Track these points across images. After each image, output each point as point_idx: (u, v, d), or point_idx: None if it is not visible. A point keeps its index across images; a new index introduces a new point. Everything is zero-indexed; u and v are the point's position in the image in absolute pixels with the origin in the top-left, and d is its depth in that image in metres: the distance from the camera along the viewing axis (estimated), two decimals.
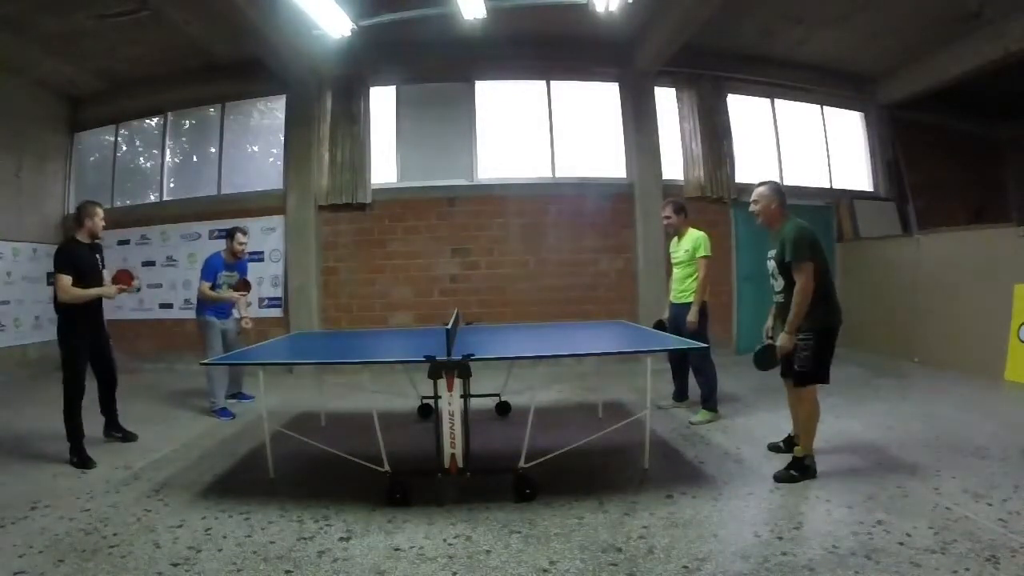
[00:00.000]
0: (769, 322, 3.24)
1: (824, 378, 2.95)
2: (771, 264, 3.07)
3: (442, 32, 6.10)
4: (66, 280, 3.53)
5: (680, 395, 4.59)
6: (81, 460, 3.48)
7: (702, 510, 2.62)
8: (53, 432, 4.27)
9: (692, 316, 4.11)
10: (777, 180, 3.21)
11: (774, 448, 3.39)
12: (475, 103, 7.08)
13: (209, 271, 4.64)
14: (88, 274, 3.65)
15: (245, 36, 5.86)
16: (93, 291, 3.66)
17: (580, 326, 5.10)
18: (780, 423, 3.94)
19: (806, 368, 2.91)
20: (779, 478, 2.92)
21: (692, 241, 4.24)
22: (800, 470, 2.92)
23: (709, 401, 4.16)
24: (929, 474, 2.94)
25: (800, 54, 7.25)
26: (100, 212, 3.76)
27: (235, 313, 4.91)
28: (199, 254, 7.11)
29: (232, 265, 4.77)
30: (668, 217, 4.33)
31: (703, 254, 4.17)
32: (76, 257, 3.62)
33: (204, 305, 4.68)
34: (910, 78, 7.46)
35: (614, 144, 7.16)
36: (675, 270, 4.41)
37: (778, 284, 3.07)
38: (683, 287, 4.28)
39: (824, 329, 2.91)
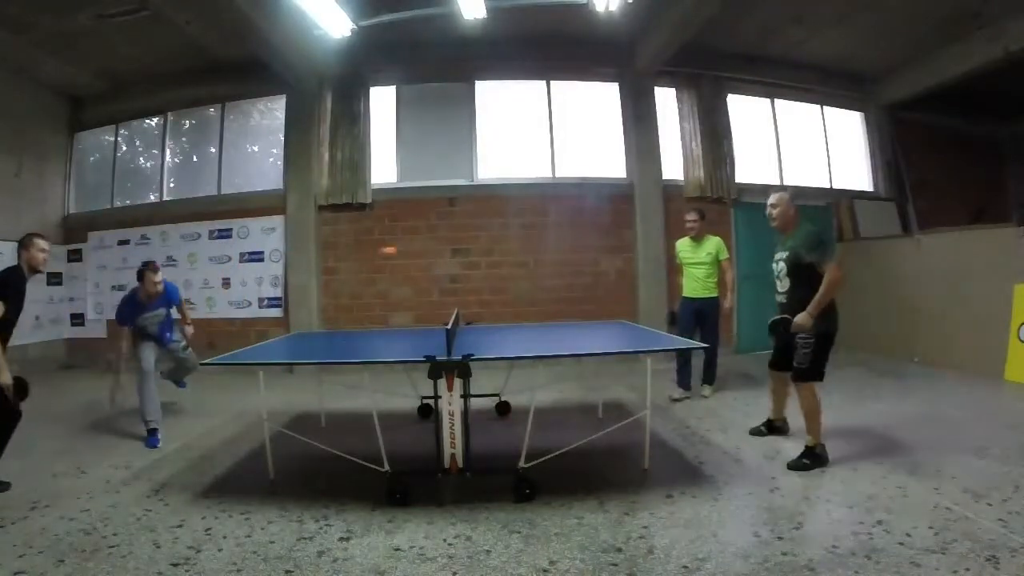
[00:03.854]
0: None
1: (820, 377, 3.15)
2: (779, 266, 3.27)
3: (442, 32, 6.11)
4: None
5: (686, 384, 4.95)
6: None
7: (702, 510, 2.61)
8: (53, 432, 4.28)
9: (729, 302, 4.84)
10: (790, 188, 3.49)
11: (756, 433, 3.71)
12: (475, 103, 7.08)
13: (125, 315, 4.08)
14: None
15: (245, 36, 5.86)
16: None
17: (580, 326, 5.10)
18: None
19: (804, 366, 3.12)
20: (792, 466, 3.08)
21: (715, 246, 4.84)
22: (812, 458, 3.09)
23: (713, 379, 4.94)
24: (929, 474, 2.94)
25: (800, 54, 7.25)
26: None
27: (177, 335, 4.44)
28: (199, 254, 7.15)
29: (152, 305, 4.14)
30: (696, 221, 4.88)
31: (727, 256, 4.86)
32: None
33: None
34: (910, 78, 7.46)
35: (614, 144, 7.16)
36: (693, 270, 4.89)
37: (783, 285, 3.25)
38: (709, 284, 4.85)
39: (825, 334, 3.12)
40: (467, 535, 2.43)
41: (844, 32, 6.65)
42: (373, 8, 5.56)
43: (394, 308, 6.88)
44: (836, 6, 6.14)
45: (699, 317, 4.83)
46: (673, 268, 6.80)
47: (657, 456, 3.30)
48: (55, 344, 7.57)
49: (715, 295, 4.83)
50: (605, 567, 2.14)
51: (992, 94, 7.63)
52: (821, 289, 3.00)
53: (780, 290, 3.27)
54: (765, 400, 4.55)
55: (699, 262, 4.86)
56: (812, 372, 3.11)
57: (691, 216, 4.94)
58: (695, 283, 4.88)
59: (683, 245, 5.00)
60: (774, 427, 3.70)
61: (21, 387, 3.10)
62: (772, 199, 3.31)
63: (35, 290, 7.16)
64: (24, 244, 3.29)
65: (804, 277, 3.10)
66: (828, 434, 3.67)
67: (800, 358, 3.11)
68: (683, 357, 4.89)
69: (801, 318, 3.03)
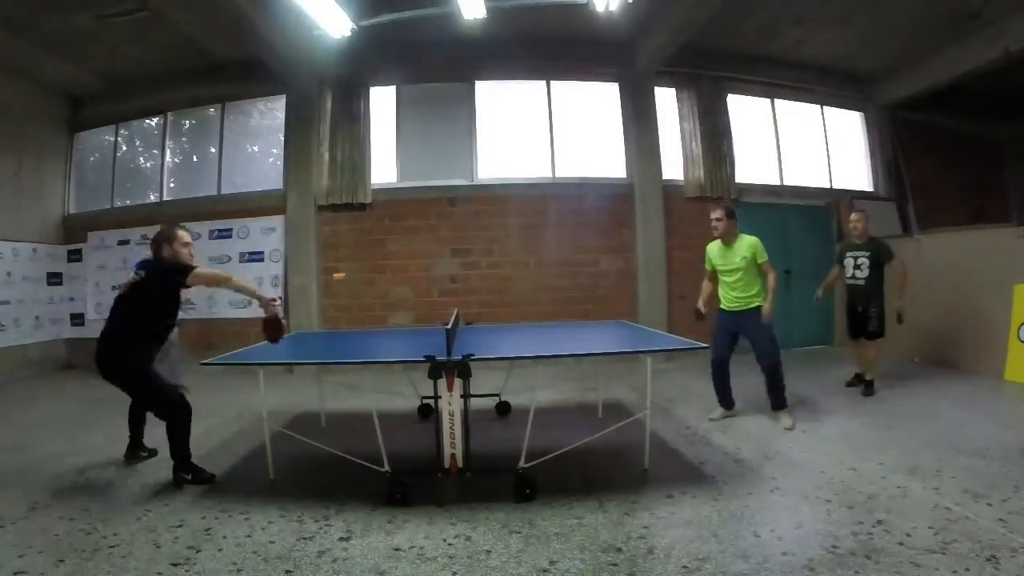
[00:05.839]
0: (820, 295, 5.06)
1: (884, 334, 4.80)
2: (860, 260, 4.81)
3: (442, 32, 6.10)
4: None
5: (728, 403, 4.29)
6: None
7: (702, 510, 2.61)
8: (53, 432, 4.28)
9: (768, 309, 3.96)
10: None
11: (850, 384, 5.03)
12: (475, 103, 7.08)
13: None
14: None
15: (245, 36, 5.86)
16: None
17: (580, 326, 5.10)
18: (778, 424, 3.97)
19: (877, 329, 4.76)
20: (867, 394, 4.71)
21: (750, 248, 3.99)
22: (873, 387, 4.77)
23: (784, 401, 4.07)
24: (929, 474, 2.94)
25: (800, 54, 7.25)
26: None
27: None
28: (199, 254, 7.11)
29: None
30: (720, 220, 4.03)
31: (766, 258, 4.00)
32: None
33: None
34: (910, 78, 7.46)
35: (614, 144, 7.16)
36: (726, 277, 4.12)
37: (862, 273, 4.80)
38: (748, 294, 4.04)
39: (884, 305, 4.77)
40: (467, 535, 2.43)
41: (844, 32, 6.66)
42: (373, 8, 5.56)
43: (394, 308, 6.88)
44: (836, 6, 6.14)
45: (738, 332, 4.10)
46: (674, 271, 6.84)
47: (657, 456, 3.30)
48: (55, 344, 7.57)
49: (756, 305, 4.00)
50: (605, 567, 2.14)
51: (992, 94, 7.63)
52: (901, 280, 4.74)
53: (859, 276, 4.80)
54: (765, 400, 4.60)
55: (732, 268, 4.04)
56: (882, 332, 4.77)
57: (715, 214, 4.05)
58: (729, 293, 4.11)
59: (713, 250, 4.22)
60: (861, 378, 4.92)
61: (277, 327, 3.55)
62: (856, 216, 4.84)
63: (35, 290, 7.24)
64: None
65: (879, 269, 4.73)
66: (829, 434, 3.71)
67: (874, 324, 4.74)
68: (717, 372, 4.22)
69: (899, 305, 4.71)
